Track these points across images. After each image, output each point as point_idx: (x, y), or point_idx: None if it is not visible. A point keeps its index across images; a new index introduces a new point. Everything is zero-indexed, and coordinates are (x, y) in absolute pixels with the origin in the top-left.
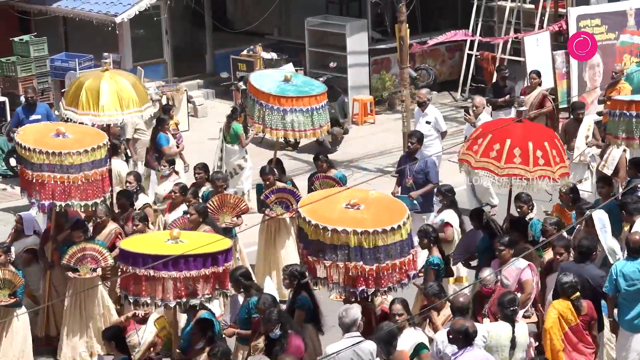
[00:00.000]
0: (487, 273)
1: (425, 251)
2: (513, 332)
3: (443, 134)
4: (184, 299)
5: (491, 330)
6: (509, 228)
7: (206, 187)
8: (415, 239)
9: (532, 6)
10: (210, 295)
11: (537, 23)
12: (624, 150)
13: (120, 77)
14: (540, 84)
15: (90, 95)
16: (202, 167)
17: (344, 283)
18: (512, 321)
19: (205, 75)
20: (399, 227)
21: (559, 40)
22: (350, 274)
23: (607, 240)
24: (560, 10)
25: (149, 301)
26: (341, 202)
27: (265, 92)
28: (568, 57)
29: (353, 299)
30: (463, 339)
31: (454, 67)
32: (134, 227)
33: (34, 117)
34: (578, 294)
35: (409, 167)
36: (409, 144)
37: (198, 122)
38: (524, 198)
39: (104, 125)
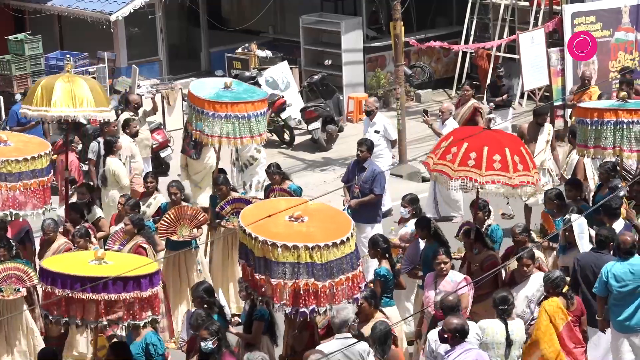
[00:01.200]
0: (440, 297)
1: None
2: (507, 329)
3: (393, 143)
4: (105, 322)
5: (486, 327)
6: (464, 236)
7: (153, 197)
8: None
9: (527, 3)
10: (137, 321)
11: (531, 20)
12: (582, 155)
13: (79, 79)
14: (473, 96)
15: (44, 92)
16: (154, 176)
17: (292, 303)
18: (504, 319)
19: (201, 73)
20: (348, 239)
21: (554, 38)
22: (301, 292)
23: (584, 247)
24: (555, 7)
25: (69, 321)
26: (283, 215)
27: (201, 98)
28: (563, 54)
29: (302, 319)
30: (454, 337)
31: (449, 64)
32: (75, 244)
33: None
34: (567, 287)
35: (357, 176)
36: (358, 152)
37: None
38: (480, 204)
39: (100, 123)
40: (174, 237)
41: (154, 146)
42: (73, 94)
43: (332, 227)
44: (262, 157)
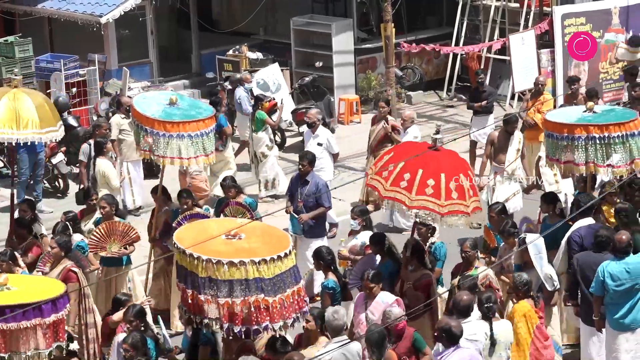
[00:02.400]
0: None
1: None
2: (491, 329)
3: (335, 156)
4: (4, 354)
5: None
6: (406, 254)
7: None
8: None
9: (517, 5)
10: (41, 350)
11: (522, 22)
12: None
13: (24, 96)
14: (390, 113)
15: None
16: (96, 192)
17: (242, 322)
18: (489, 319)
19: (191, 75)
20: (290, 252)
21: (544, 39)
22: (253, 309)
23: (544, 267)
24: (545, 8)
25: None
26: (219, 234)
27: (150, 117)
28: (553, 56)
29: (242, 340)
30: (446, 338)
31: (439, 66)
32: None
33: None
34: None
35: (300, 190)
36: (300, 166)
37: None
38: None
39: (92, 126)
40: (102, 253)
41: None
42: (18, 115)
43: (272, 241)
44: (274, 154)
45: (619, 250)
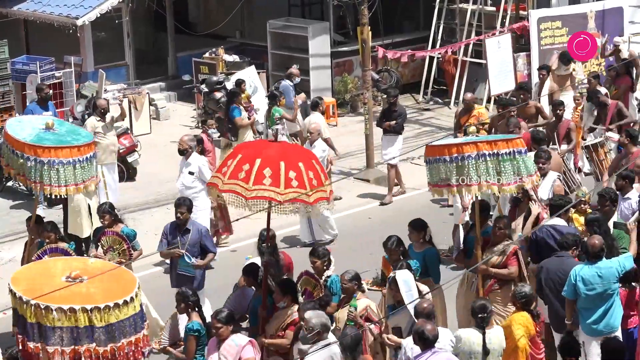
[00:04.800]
0: None
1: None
2: (484, 338)
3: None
4: None
5: (464, 337)
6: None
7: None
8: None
9: (494, 8)
10: None
11: (498, 25)
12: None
13: None
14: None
15: None
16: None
17: None
18: (482, 328)
19: (168, 78)
20: (132, 299)
21: (520, 43)
22: (82, 358)
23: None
24: (522, 12)
25: None
26: (59, 275)
27: (21, 140)
28: (529, 59)
29: None
30: (420, 341)
31: (416, 69)
32: None
33: (47, 113)
34: (535, 303)
35: (180, 239)
36: (178, 214)
37: (160, 124)
38: (319, 252)
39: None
40: None
41: (120, 151)
42: None
43: (114, 286)
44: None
45: (591, 254)
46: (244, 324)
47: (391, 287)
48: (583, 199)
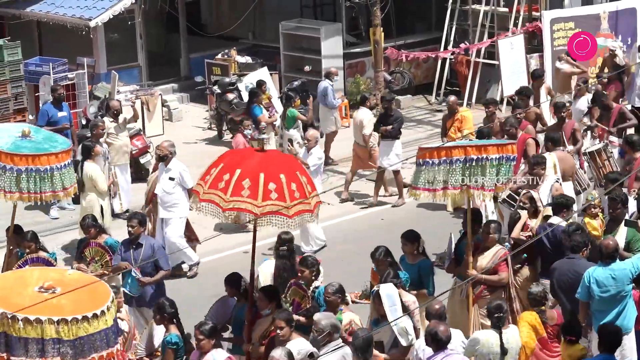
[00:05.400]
0: None
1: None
2: (501, 338)
3: (190, 192)
4: None
5: (482, 339)
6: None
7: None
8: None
9: (506, 9)
10: None
11: (511, 26)
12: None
13: None
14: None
15: None
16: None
17: None
18: (499, 328)
19: (180, 79)
20: (103, 312)
21: (533, 43)
22: None
23: (399, 321)
24: (534, 13)
25: None
26: (32, 285)
27: None
28: (542, 60)
29: None
30: (433, 342)
31: (428, 70)
32: None
33: (61, 114)
34: (543, 307)
35: (133, 254)
36: (129, 228)
37: (173, 126)
38: (308, 262)
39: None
40: None
41: (133, 152)
42: None
43: (86, 299)
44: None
45: (605, 256)
46: (226, 334)
47: (375, 301)
48: (593, 202)
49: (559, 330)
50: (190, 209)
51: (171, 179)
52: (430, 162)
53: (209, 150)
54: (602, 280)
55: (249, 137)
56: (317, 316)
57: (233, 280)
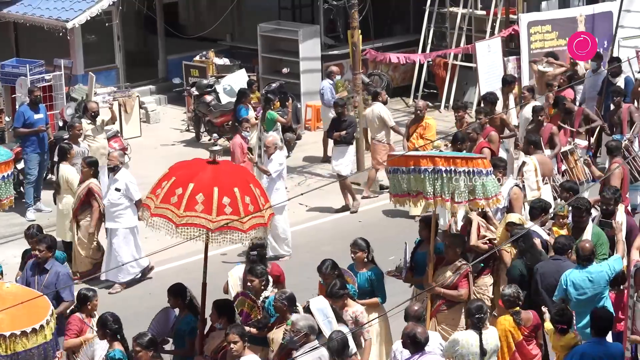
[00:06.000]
0: None
1: None
2: (480, 339)
3: (137, 204)
4: None
5: (461, 339)
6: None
7: None
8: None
9: (484, 12)
10: None
11: (488, 29)
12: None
13: None
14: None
15: None
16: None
17: None
18: (479, 329)
19: (158, 81)
20: (42, 327)
21: (510, 47)
22: None
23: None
24: (512, 16)
25: None
26: None
27: None
28: (519, 63)
29: None
30: (411, 344)
31: (406, 73)
32: None
33: (37, 116)
34: (517, 308)
35: (38, 280)
36: (36, 252)
37: (150, 128)
38: (257, 271)
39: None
40: None
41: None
42: None
43: (24, 313)
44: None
45: (582, 258)
46: (167, 346)
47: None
48: (561, 212)
49: (535, 329)
50: (139, 219)
51: (117, 189)
52: (399, 169)
53: (186, 152)
54: (579, 283)
55: (248, 138)
56: (294, 317)
57: (176, 290)
